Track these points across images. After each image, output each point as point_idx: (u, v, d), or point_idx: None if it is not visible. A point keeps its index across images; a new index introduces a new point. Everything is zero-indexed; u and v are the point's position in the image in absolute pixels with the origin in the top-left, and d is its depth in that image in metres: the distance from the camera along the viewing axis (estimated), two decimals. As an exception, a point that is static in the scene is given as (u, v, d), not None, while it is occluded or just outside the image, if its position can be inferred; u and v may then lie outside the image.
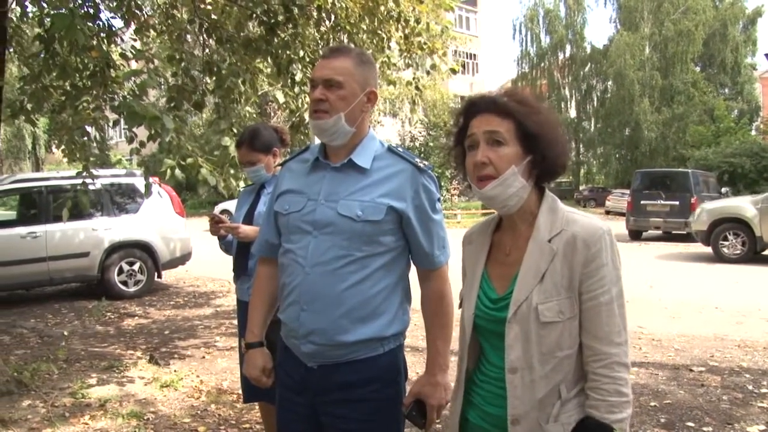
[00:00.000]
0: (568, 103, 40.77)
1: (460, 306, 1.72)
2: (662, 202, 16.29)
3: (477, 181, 1.55)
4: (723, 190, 19.17)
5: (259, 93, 6.52)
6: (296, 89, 5.88)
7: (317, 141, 2.09)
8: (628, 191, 19.72)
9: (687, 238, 16.11)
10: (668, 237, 17.11)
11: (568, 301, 1.50)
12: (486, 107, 1.56)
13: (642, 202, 16.59)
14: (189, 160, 4.80)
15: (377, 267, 1.91)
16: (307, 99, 5.80)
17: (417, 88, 7.28)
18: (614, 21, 40.04)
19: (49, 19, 4.61)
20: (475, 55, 41.57)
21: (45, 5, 4.98)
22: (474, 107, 1.59)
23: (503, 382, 1.57)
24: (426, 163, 2.00)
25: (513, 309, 1.52)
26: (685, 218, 15.87)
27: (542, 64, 41.43)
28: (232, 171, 5.28)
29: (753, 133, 32.83)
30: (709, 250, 12.87)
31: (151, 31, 6.18)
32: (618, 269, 1.52)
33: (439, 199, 2.01)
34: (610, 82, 37.89)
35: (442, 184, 28.06)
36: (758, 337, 6.53)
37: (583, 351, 1.52)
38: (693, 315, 7.76)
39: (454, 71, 7.37)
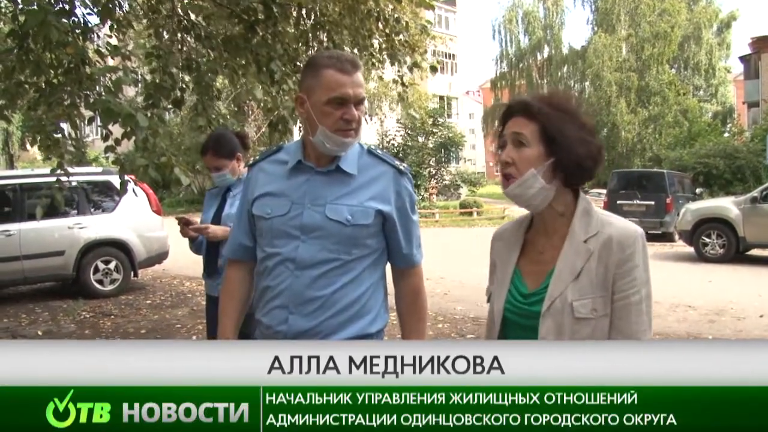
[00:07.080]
0: (546, 103, 41.04)
1: (488, 301, 1.75)
2: (638, 202, 16.45)
3: (502, 179, 1.63)
4: (698, 190, 19.45)
5: (237, 90, 6.47)
6: (275, 87, 5.84)
7: (294, 138, 2.09)
8: (604, 191, 19.89)
9: (662, 238, 16.31)
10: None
11: (602, 300, 1.56)
12: (518, 110, 1.62)
13: (618, 202, 16.72)
14: (162, 159, 4.77)
15: (363, 268, 1.95)
16: (286, 98, 5.79)
17: (403, 84, 7.12)
18: (591, 23, 40.37)
19: (22, 15, 4.55)
20: (453, 54, 41.62)
21: (18, 1, 4.90)
22: (509, 110, 1.66)
23: None
24: (405, 165, 2.04)
25: (547, 303, 1.58)
26: (661, 218, 16.07)
27: (521, 65, 41.63)
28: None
29: (726, 135, 33.34)
30: (691, 250, 13.06)
31: (134, 27, 6.10)
32: (648, 272, 1.59)
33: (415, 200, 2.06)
34: (587, 83, 38.24)
35: (420, 183, 28.11)
36: (730, 335, 6.65)
37: None
38: (667, 314, 7.86)
39: (434, 69, 7.33)
